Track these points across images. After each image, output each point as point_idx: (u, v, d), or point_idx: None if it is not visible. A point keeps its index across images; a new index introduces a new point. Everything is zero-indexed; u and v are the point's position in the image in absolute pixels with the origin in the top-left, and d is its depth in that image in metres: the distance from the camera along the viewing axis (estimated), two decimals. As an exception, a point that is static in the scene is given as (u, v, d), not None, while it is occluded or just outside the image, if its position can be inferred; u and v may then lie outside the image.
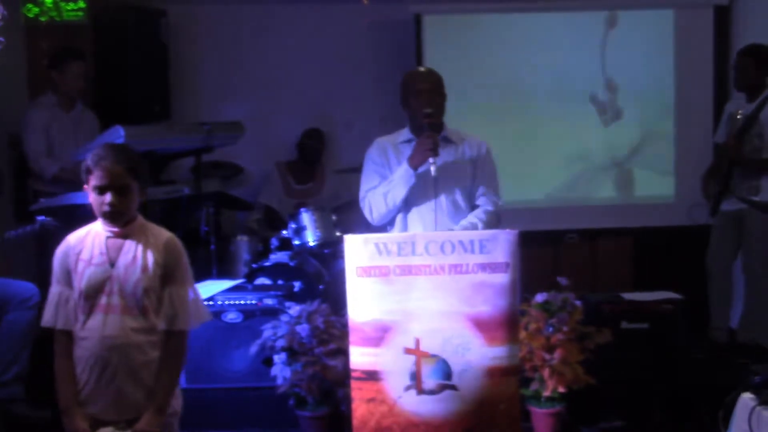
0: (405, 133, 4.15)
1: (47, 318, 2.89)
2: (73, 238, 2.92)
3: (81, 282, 2.84)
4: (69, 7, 5.69)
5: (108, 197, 2.79)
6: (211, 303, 4.69)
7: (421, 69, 4.28)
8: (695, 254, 5.62)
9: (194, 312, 2.92)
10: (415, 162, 3.95)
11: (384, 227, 4.25)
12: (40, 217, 4.18)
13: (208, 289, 4.81)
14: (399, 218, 4.14)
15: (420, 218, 4.09)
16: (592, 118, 6.18)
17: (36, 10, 5.74)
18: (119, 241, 2.87)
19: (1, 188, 4.98)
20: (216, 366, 4.63)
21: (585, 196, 6.33)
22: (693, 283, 5.36)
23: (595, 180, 6.33)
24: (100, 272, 2.83)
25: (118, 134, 4.76)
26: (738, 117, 5.24)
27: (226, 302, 4.69)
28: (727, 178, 5.20)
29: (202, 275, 5.23)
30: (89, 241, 2.88)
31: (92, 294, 2.83)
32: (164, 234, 2.95)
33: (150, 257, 2.85)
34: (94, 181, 2.81)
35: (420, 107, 3.98)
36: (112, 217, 2.83)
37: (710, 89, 6.07)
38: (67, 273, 2.88)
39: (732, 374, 4.62)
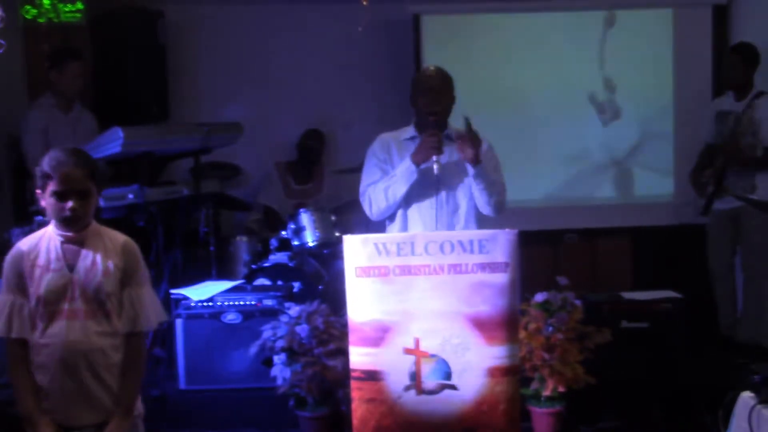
0: (409, 130, 4.17)
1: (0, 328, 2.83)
2: (24, 244, 2.88)
3: (39, 288, 2.80)
4: (67, 9, 5.68)
5: (69, 203, 2.76)
6: (210, 304, 4.69)
7: (431, 68, 4.27)
8: (695, 253, 5.62)
9: (153, 312, 2.91)
10: (418, 159, 3.97)
11: (383, 223, 4.26)
12: (38, 217, 4.18)
13: (208, 289, 4.80)
14: (399, 214, 4.16)
15: (420, 216, 4.11)
16: (591, 117, 6.18)
17: (34, 11, 5.73)
18: (76, 246, 2.85)
19: (1, 188, 4.98)
20: (215, 367, 4.63)
21: (584, 196, 6.32)
22: (693, 282, 5.36)
23: (595, 179, 6.32)
24: (59, 277, 2.80)
25: (116, 135, 4.76)
26: (729, 115, 5.24)
27: (226, 303, 4.69)
28: (721, 177, 5.20)
29: (201, 276, 5.23)
30: (44, 246, 2.84)
31: (53, 300, 2.80)
32: (120, 237, 2.93)
33: (109, 261, 2.84)
34: (53, 186, 2.77)
35: (426, 106, 4.03)
36: (72, 222, 2.80)
37: (709, 88, 6.07)
38: (20, 280, 2.83)
39: (732, 373, 4.64)
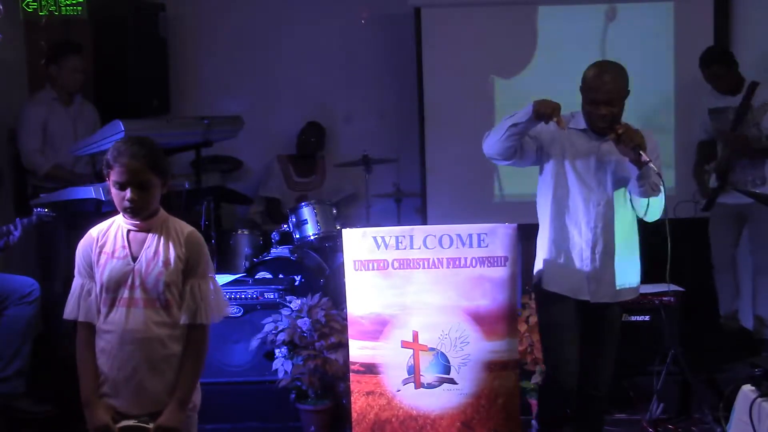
0: (580, 119, 3.52)
1: (69, 310, 2.87)
2: (95, 230, 2.90)
3: (103, 275, 2.83)
4: (68, 2, 5.68)
5: (128, 193, 2.78)
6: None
7: (606, 76, 3.45)
8: (696, 247, 5.61)
9: (215, 305, 2.91)
10: (538, 109, 3.32)
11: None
12: (39, 210, 4.19)
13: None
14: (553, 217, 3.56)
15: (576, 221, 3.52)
16: (592, 111, 6.15)
17: (34, 5, 5.73)
18: (141, 234, 2.86)
19: (1, 182, 4.99)
20: (217, 360, 4.64)
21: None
22: (694, 276, 5.35)
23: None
24: (122, 266, 2.82)
25: (117, 128, 4.76)
26: (726, 110, 5.22)
27: (227, 296, 4.67)
28: (726, 172, 5.19)
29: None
30: (112, 234, 2.87)
31: (113, 287, 2.82)
32: (186, 227, 2.93)
33: (172, 251, 2.84)
34: (114, 176, 2.79)
35: (595, 117, 3.44)
36: (133, 212, 2.81)
37: (710, 82, 6.05)
38: (89, 265, 2.86)
39: (733, 366, 4.65)
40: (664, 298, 4.52)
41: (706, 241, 5.51)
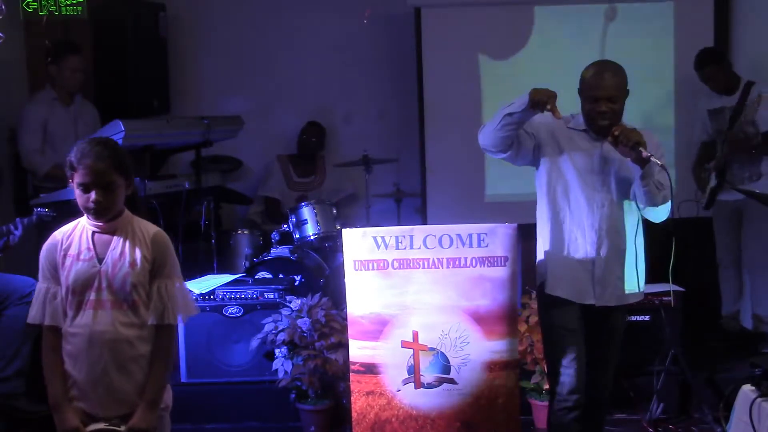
0: (580, 121, 3.47)
1: (34, 314, 2.86)
2: (60, 233, 2.90)
3: (68, 278, 2.82)
4: (68, 2, 5.67)
5: (93, 195, 2.77)
6: (212, 297, 4.70)
7: (607, 74, 3.42)
8: (697, 246, 5.61)
9: (182, 305, 2.90)
10: (533, 97, 3.27)
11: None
12: (39, 209, 4.18)
13: (209, 283, 4.81)
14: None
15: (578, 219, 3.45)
16: (592, 110, 6.15)
17: (34, 5, 5.73)
18: (107, 236, 2.85)
19: (1, 182, 4.98)
20: (217, 360, 4.64)
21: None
22: (695, 275, 5.34)
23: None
24: (88, 268, 2.81)
25: (117, 128, 4.76)
26: (724, 110, 5.24)
27: (227, 296, 4.70)
28: (724, 170, 5.20)
29: (202, 269, 5.24)
30: (77, 236, 2.86)
31: (80, 290, 2.81)
32: (151, 228, 2.92)
33: (138, 252, 2.83)
34: (78, 178, 2.78)
35: (594, 114, 3.40)
36: (97, 213, 2.81)
37: (710, 82, 6.05)
38: (54, 268, 2.85)
39: (734, 366, 4.65)
40: (665, 298, 4.52)
41: (708, 240, 5.51)
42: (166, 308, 2.85)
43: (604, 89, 3.36)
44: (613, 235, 3.41)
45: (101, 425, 2.80)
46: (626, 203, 3.43)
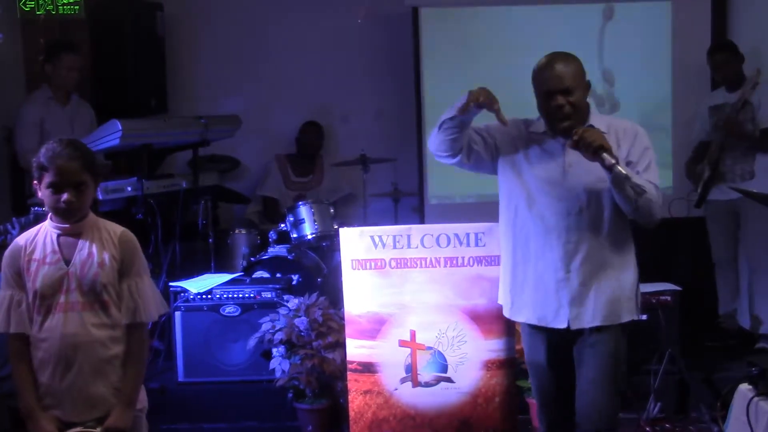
0: (541, 123, 3.17)
1: None
2: (22, 239, 2.87)
3: (35, 282, 2.79)
4: (65, 1, 5.68)
5: (65, 195, 2.75)
6: (209, 296, 4.70)
7: (558, 65, 3.14)
8: (694, 246, 5.61)
9: (153, 303, 2.89)
10: (470, 96, 3.02)
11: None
12: (36, 209, 4.18)
13: (206, 282, 4.81)
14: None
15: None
16: (590, 110, 6.15)
17: (32, 4, 5.74)
18: (72, 238, 2.83)
19: None
20: (214, 359, 4.64)
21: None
22: (692, 275, 5.35)
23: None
24: (55, 271, 2.79)
25: (115, 128, 4.77)
26: (724, 107, 5.24)
27: (224, 295, 4.70)
28: (717, 163, 5.20)
29: (200, 269, 5.24)
30: (41, 240, 2.83)
31: (49, 294, 2.78)
32: (117, 228, 2.91)
33: (105, 252, 2.82)
34: (48, 178, 2.76)
35: (551, 110, 3.10)
36: (68, 214, 2.78)
37: (708, 81, 6.03)
38: (18, 275, 2.82)
39: (731, 365, 4.65)
40: (662, 297, 4.52)
41: (704, 239, 5.52)
42: (138, 306, 2.84)
43: (556, 80, 3.03)
44: (588, 246, 3.02)
45: (77, 430, 2.78)
46: (604, 207, 3.05)
